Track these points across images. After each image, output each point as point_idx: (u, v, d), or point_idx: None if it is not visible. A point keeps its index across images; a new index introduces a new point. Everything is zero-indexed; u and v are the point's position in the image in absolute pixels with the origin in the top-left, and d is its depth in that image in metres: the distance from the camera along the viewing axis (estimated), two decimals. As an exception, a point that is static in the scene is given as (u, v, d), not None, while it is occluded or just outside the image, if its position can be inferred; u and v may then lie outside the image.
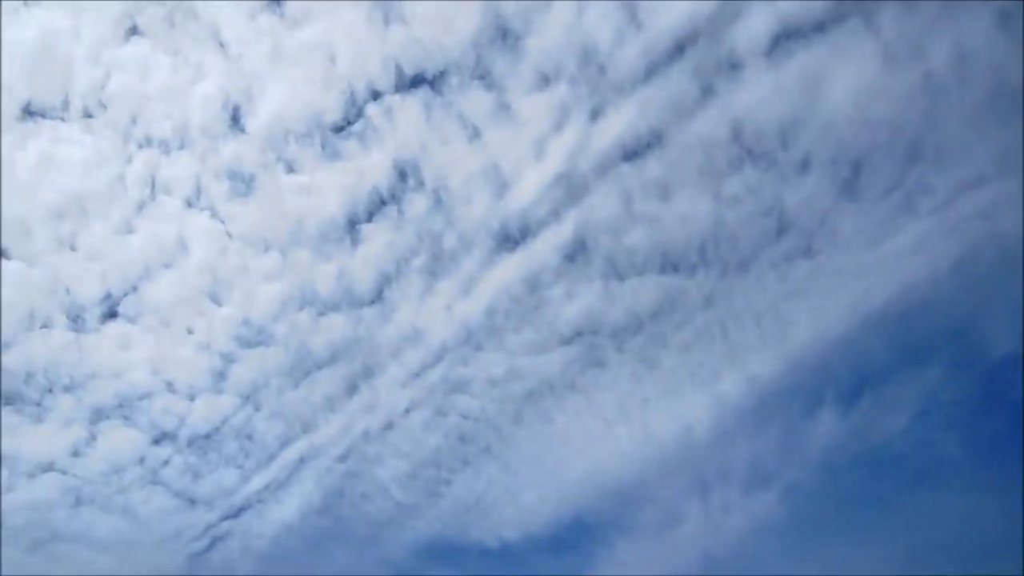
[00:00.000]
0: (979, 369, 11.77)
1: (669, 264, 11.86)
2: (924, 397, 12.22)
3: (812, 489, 13.06)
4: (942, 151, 9.52)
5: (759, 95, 9.21)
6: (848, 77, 8.82)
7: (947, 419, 11.91)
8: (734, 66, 9.05)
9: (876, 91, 8.88)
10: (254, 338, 12.88)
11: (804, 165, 10.20)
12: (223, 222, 11.71)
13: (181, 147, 10.88)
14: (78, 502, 13.72)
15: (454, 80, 9.89)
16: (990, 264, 10.45)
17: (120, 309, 12.30)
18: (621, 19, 8.86)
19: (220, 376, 13.23)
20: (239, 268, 12.16)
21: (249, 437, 14.01)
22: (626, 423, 13.82)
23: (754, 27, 8.69)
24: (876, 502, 12.55)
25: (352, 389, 13.59)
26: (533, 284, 12.20)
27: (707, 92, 9.33)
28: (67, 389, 12.81)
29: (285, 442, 14.12)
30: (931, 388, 12.17)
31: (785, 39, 8.77)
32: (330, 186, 11.23)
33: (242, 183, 11.25)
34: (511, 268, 11.99)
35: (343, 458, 14.28)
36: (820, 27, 8.60)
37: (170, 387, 13.23)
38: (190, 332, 12.72)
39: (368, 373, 13.45)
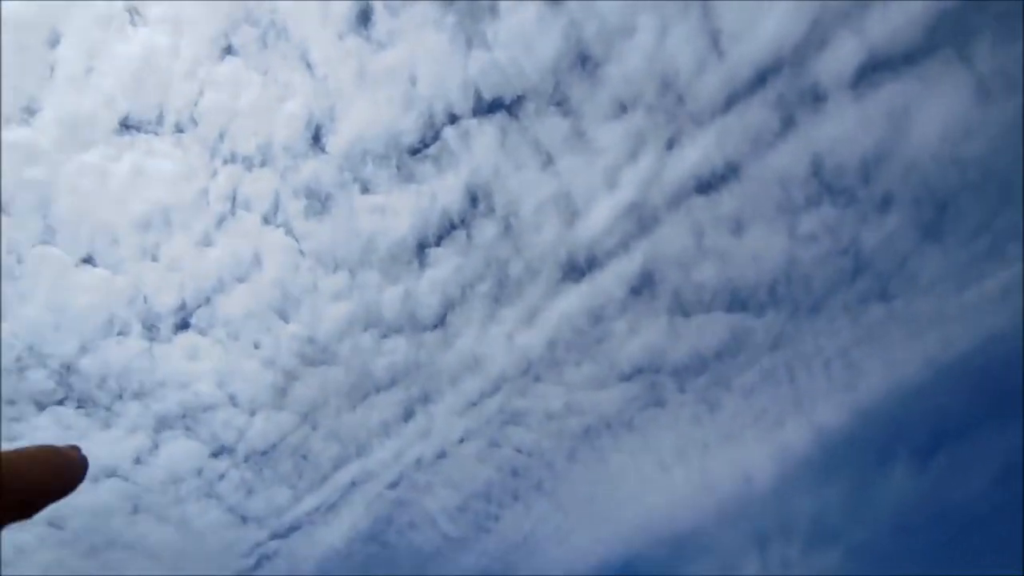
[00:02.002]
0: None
1: (738, 302, 11.64)
2: (1006, 456, 11.60)
3: (881, 550, 12.47)
4: (1035, 193, 9.19)
5: (842, 129, 9.07)
6: (937, 111, 8.61)
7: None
8: (817, 98, 8.95)
9: (966, 127, 8.65)
10: (317, 356, 13.05)
11: (885, 203, 9.96)
12: (297, 240, 11.98)
13: (263, 164, 11.23)
14: (136, 510, 13.94)
15: (531, 106, 10.03)
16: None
17: (193, 320, 12.62)
18: (703, 47, 8.88)
19: (281, 392, 13.42)
20: (308, 286, 12.39)
21: (304, 456, 14.11)
22: (684, 467, 13.47)
23: (840, 57, 8.59)
24: (951, 568, 11.89)
25: (408, 414, 13.61)
26: (597, 317, 12.11)
27: (787, 124, 9.24)
28: (136, 396, 13.14)
29: (338, 464, 14.17)
30: (1014, 447, 11.55)
31: (872, 70, 8.65)
32: (403, 208, 11.41)
33: (318, 202, 11.52)
34: (576, 299, 11.93)
35: (394, 485, 14.25)
36: (910, 58, 8.46)
37: (233, 400, 13.46)
38: (256, 347, 12.97)
39: (425, 399, 13.46)
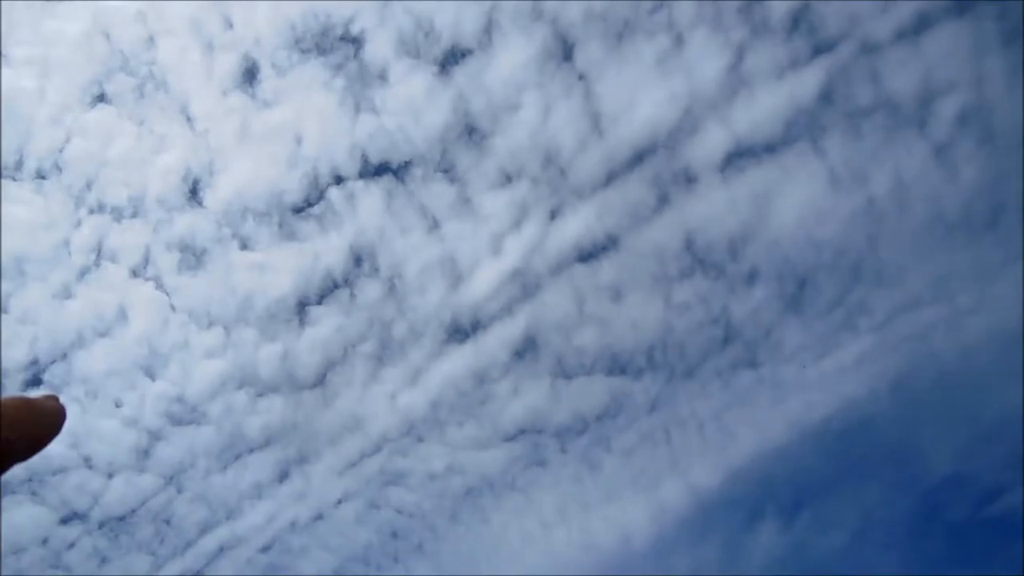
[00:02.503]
0: (917, 489, 12.00)
1: (617, 366, 11.96)
2: (864, 515, 12.35)
3: (750, 605, 12.88)
4: (881, 273, 10.03)
5: (712, 208, 9.62)
6: (795, 197, 9.33)
7: (886, 538, 12.02)
8: (689, 179, 9.49)
9: (821, 212, 9.40)
10: (186, 416, 12.38)
11: (751, 278, 10.58)
12: (168, 294, 11.43)
13: (134, 215, 10.71)
14: (-30, 585, 12.65)
15: (418, 171, 10.09)
16: (927, 385, 10.83)
17: (46, 376, 11.73)
18: (584, 126, 9.27)
19: (144, 454, 12.60)
20: (179, 343, 11.80)
21: (167, 521, 13.24)
22: (565, 526, 13.55)
23: (709, 143, 9.18)
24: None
25: (283, 476, 13.07)
26: (480, 378, 12.13)
27: (663, 201, 9.72)
28: (-25, 460, 11.99)
29: (205, 529, 13.37)
30: (870, 506, 12.33)
31: (738, 157, 9.28)
32: (283, 266, 11.13)
33: (193, 256, 11.07)
34: (459, 360, 11.92)
35: (266, 549, 13.57)
36: (770, 148, 9.15)
37: (87, 462, 12.51)
38: (118, 406, 12.17)
39: (302, 460, 12.98)
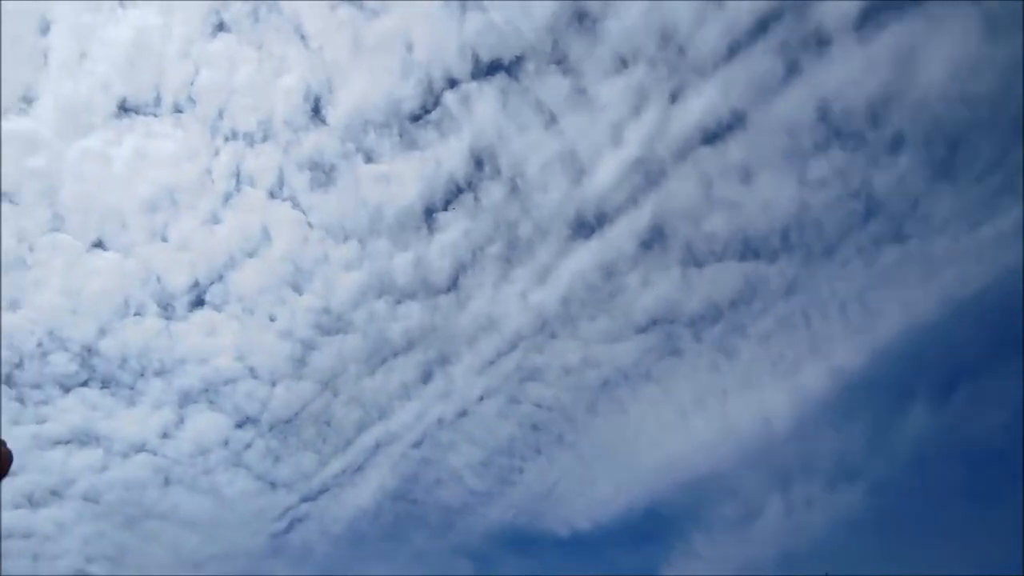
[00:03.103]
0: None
1: (750, 251, 11.55)
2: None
3: (902, 485, 12.56)
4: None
5: (848, 72, 8.84)
6: (944, 50, 8.37)
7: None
8: (821, 42, 8.71)
9: (975, 65, 8.40)
10: (333, 326, 13.14)
11: (895, 145, 9.77)
12: (304, 212, 11.96)
13: (265, 139, 11.17)
14: (167, 482, 14.26)
15: (531, 66, 9.85)
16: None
17: (207, 297, 12.72)
18: (703, -3, 8.64)
19: (300, 363, 13.55)
20: (319, 257, 12.41)
21: (327, 423, 14.32)
22: (703, 414, 13.56)
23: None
24: (972, 500, 11.99)
25: (427, 376, 13.72)
26: (609, 272, 12.06)
27: (792, 71, 9.02)
28: (157, 373, 13.34)
29: (361, 428, 14.37)
30: (1032, 379, 11.53)
31: (876, 12, 8.37)
32: (408, 175, 11.34)
33: (323, 173, 11.47)
34: (587, 256, 11.88)
35: (418, 444, 14.44)
36: (916, -3, 8.18)
37: (253, 373, 13.63)
38: (272, 320, 13.06)
39: (443, 361, 13.56)
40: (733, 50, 9.08)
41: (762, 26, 8.77)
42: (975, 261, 10.80)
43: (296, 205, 11.89)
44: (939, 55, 8.47)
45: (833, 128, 9.81)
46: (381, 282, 12.62)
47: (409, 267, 12.39)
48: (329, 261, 12.44)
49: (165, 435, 13.79)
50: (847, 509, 12.92)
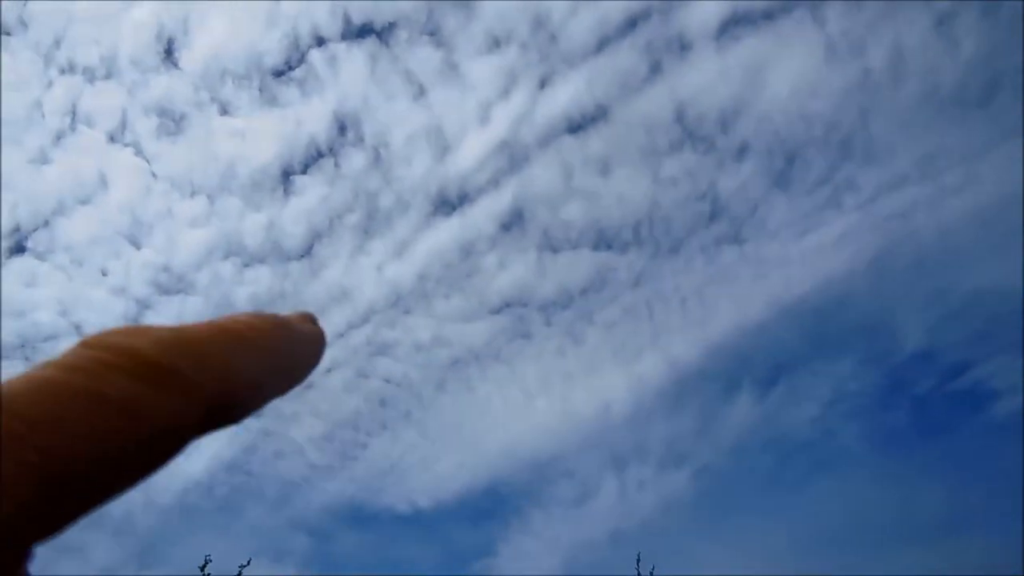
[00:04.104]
0: (888, 364, 12.40)
1: (603, 241, 11.98)
2: (835, 388, 12.81)
3: (726, 470, 13.55)
4: (870, 150, 9.93)
5: (704, 78, 9.36)
6: (790, 68, 9.07)
7: (855, 409, 12.51)
8: (683, 47, 9.18)
9: (815, 84, 9.18)
10: (173, 285, 12.40)
11: (741, 152, 10.46)
12: (148, 161, 11.18)
13: (108, 77, 10.31)
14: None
15: (403, 34, 9.69)
16: (905, 263, 10.96)
17: (29, 244, 11.64)
18: (577, -13, 8.86)
19: (134, 322, 12.60)
20: (162, 211, 11.66)
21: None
22: (547, 397, 13.97)
23: (706, 8, 8.83)
24: (782, 485, 13.13)
25: (272, 345, 13.26)
26: (467, 251, 12.13)
27: (655, 70, 9.44)
28: (-35, 325, 12.07)
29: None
30: (842, 379, 12.75)
31: (734, 24, 8.94)
32: (266, 133, 10.86)
33: (172, 121, 10.75)
34: (446, 233, 11.89)
35: (258, 415, 13.97)
36: (768, 15, 8.82)
37: (78, 330, 12.60)
38: (104, 274, 12.15)
39: (291, 330, 13.15)
40: (602, 44, 9.37)
41: (631, 24, 9.12)
42: (801, 266, 11.77)
43: (139, 152, 11.09)
44: (785, 72, 9.16)
45: (687, 130, 10.35)
46: (229, 243, 12.04)
47: (260, 230, 11.89)
48: (173, 216, 11.71)
49: (-31, 393, 12.55)
50: (674, 490, 13.74)
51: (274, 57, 10.05)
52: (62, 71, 10.18)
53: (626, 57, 9.40)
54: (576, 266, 12.29)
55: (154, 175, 11.25)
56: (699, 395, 13.85)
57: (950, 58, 8.72)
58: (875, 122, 9.56)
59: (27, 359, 12.61)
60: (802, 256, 11.59)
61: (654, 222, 11.57)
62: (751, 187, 10.88)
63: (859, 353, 12.60)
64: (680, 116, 10.10)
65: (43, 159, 10.87)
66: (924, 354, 12.02)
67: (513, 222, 11.69)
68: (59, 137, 10.73)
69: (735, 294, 12.40)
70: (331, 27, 9.73)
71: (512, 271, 12.33)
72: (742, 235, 11.63)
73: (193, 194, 11.43)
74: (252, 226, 11.76)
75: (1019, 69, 8.88)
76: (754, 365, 13.43)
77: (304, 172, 11.21)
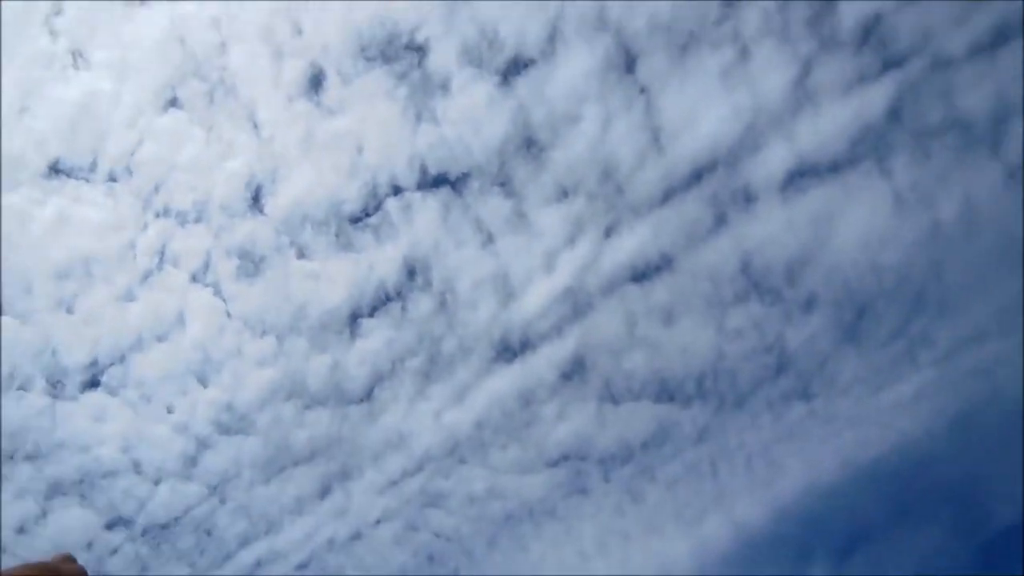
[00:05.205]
0: (977, 538, 11.48)
1: (665, 393, 11.75)
2: (919, 561, 11.82)
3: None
4: (945, 303, 9.72)
5: (770, 229, 9.48)
6: (858, 220, 9.14)
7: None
8: (748, 198, 9.38)
9: (884, 236, 9.18)
10: (234, 425, 12.49)
11: (809, 305, 10.35)
12: (225, 300, 11.64)
13: (198, 220, 10.99)
14: (14, 585, 12.77)
15: (475, 184, 10.18)
16: (991, 424, 10.39)
17: (104, 378, 11.98)
18: (644, 140, 9.27)
19: (191, 462, 12.71)
20: (233, 350, 11.97)
21: (208, 532, 13.28)
22: (604, 558, 13.25)
23: (771, 161, 9.08)
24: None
25: (325, 491, 13.05)
26: (527, 399, 12.02)
27: (720, 221, 9.62)
28: (29, 458, 12.25)
29: (245, 542, 13.38)
30: (927, 552, 11.79)
31: (800, 176, 9.15)
32: (338, 276, 11.27)
33: (251, 263, 11.28)
34: (507, 380, 11.85)
35: (303, 566, 13.51)
36: (834, 167, 9.01)
37: (136, 467, 12.67)
38: (170, 411, 12.35)
39: (345, 475, 12.97)
40: (668, 195, 9.66)
41: (696, 176, 9.42)
42: (875, 425, 11.27)
43: (218, 292, 11.58)
44: (852, 224, 9.23)
45: (753, 281, 10.36)
46: (293, 383, 12.21)
47: (325, 371, 12.07)
48: (242, 355, 12.00)
49: (21, 530, 12.50)
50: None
51: (352, 204, 10.62)
52: (157, 215, 10.92)
53: (691, 208, 9.65)
54: (637, 419, 12.01)
55: (229, 314, 11.66)
56: (767, 562, 12.94)
57: (1020, 213, 8.70)
58: (949, 274, 9.45)
59: (83, 496, 12.62)
60: (877, 414, 11.14)
61: (719, 375, 11.36)
62: (820, 340, 10.67)
63: (944, 523, 11.71)
64: (746, 267, 10.16)
65: (129, 297, 11.41)
66: (1018, 528, 11.11)
67: (574, 371, 11.62)
68: (146, 276, 11.32)
69: (805, 453, 11.86)
70: (408, 177, 10.31)
71: (571, 422, 12.10)
72: (811, 390, 11.29)
73: (264, 334, 11.75)
74: (317, 367, 11.93)
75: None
76: (827, 532, 12.57)
77: (371, 315, 11.49)
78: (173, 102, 10.07)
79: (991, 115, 8.39)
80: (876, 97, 8.41)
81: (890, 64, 8.40)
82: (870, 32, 8.35)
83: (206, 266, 11.33)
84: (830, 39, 8.29)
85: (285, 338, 11.77)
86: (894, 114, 8.63)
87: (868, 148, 8.70)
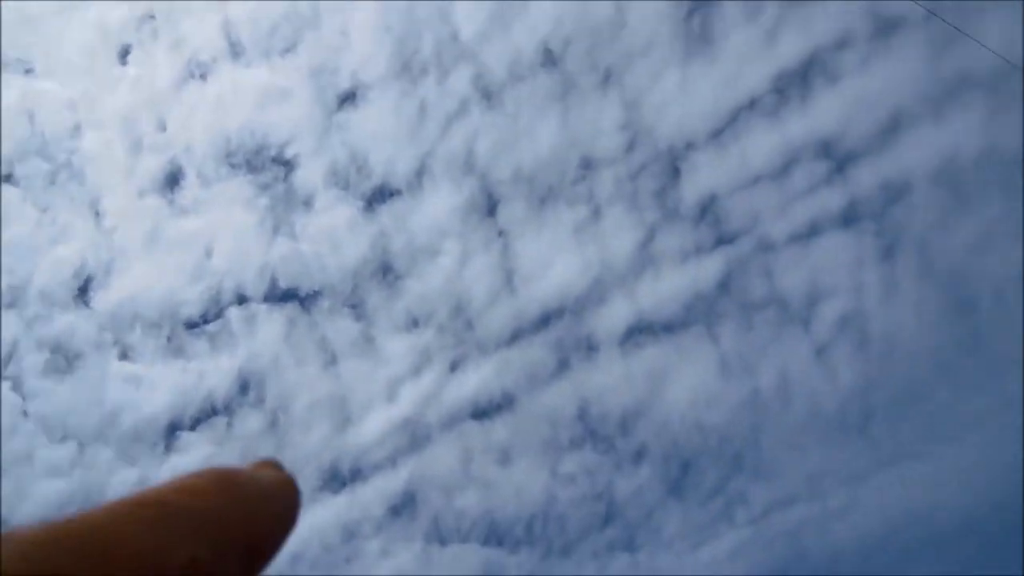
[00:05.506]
0: None
1: (494, 536, 11.53)
2: None
3: None
4: (760, 465, 10.36)
5: (608, 380, 9.89)
6: (687, 378, 9.76)
7: None
8: (591, 347, 9.81)
9: (709, 396, 9.82)
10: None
11: (638, 456, 10.69)
12: (24, 398, 10.46)
13: (10, 306, 10.00)
14: None
15: (325, 303, 10.01)
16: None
17: None
18: (498, 281, 9.59)
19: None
20: (23, 455, 10.65)
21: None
22: None
23: (614, 315, 9.63)
24: None
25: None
26: (350, 533, 11.39)
27: (563, 366, 9.93)
28: None
29: None
30: None
31: (638, 332, 9.73)
32: (162, 382, 10.49)
33: (64, 359, 10.29)
34: (331, 511, 11.22)
35: None
36: (669, 328, 9.68)
37: None
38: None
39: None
40: (515, 336, 9.91)
41: (544, 321, 9.78)
42: (693, 582, 11.49)
43: (17, 387, 10.40)
44: (682, 382, 9.82)
45: (589, 428, 10.63)
46: (86, 497, 10.93)
47: (127, 487, 10.88)
48: (32, 463, 10.68)
49: None
50: None
51: (191, 308, 10.09)
52: (-38, 294, 9.82)
53: (536, 351, 9.93)
54: (462, 563, 11.62)
55: (25, 413, 10.44)
56: None
57: (829, 384, 9.63)
58: (764, 438, 10.14)
59: None
60: (695, 569, 11.39)
61: (548, 519, 11.32)
62: (647, 492, 10.97)
63: None
64: (583, 413, 10.44)
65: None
66: None
67: (404, 506, 11.21)
68: (-68, 361, 10.01)
69: (626, 607, 11.84)
70: (256, 287, 9.99)
71: (394, 561, 11.52)
72: (636, 542, 11.44)
73: (63, 439, 10.57)
74: (119, 481, 10.79)
75: (890, 402, 9.85)
76: None
77: (193, 428, 10.67)
78: (8, 178, 9.39)
79: (804, 296, 9.49)
80: (709, 268, 9.31)
81: (722, 240, 9.40)
82: (707, 210, 9.36)
83: (9, 357, 10.21)
84: (673, 211, 9.18)
85: (88, 446, 10.64)
86: (723, 286, 9.55)
87: (699, 314, 9.51)
